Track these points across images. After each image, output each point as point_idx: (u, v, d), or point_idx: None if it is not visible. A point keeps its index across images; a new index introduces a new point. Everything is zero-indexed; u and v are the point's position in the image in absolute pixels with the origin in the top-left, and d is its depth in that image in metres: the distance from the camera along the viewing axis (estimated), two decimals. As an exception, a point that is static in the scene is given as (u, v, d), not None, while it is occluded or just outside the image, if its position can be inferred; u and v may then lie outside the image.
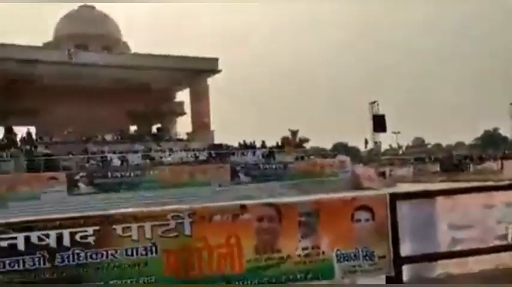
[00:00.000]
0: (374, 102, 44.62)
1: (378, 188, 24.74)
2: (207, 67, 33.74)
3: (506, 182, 4.48)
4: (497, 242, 4.41)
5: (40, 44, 33.56)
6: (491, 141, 63.06)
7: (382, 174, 38.56)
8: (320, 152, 46.87)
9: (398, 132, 62.64)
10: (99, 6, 37.98)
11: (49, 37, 36.51)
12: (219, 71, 34.02)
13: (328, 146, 77.68)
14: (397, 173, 43.54)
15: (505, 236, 4.40)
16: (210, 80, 34.72)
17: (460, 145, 74.39)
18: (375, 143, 48.92)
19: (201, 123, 33.73)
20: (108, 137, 30.76)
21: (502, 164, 40.22)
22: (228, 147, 30.37)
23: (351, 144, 74.88)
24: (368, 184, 27.59)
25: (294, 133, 34.20)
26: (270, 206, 4.03)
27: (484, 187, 4.70)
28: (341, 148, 67.87)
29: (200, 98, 34.06)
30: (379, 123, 43.83)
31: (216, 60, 33.99)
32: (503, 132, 60.19)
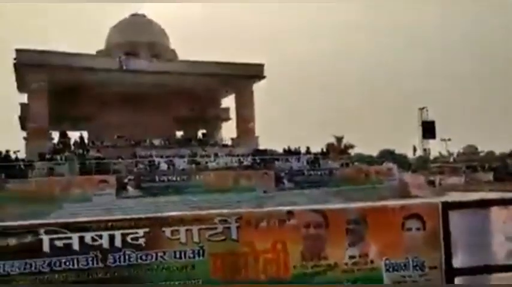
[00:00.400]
0: (423, 108, 43.51)
1: (427, 196, 24.02)
2: (253, 73, 33.99)
3: None
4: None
5: (92, 52, 34.94)
6: None
7: (432, 182, 37.49)
8: (366, 159, 46.33)
9: (449, 139, 60.66)
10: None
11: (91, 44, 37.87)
12: (264, 77, 34.20)
13: (375, 153, 76.25)
14: (448, 181, 42.28)
15: None
16: (255, 86, 34.99)
17: None
18: (424, 150, 47.55)
19: (245, 128, 33.98)
20: (156, 142, 31.55)
21: None
22: (272, 153, 30.43)
23: (398, 151, 73.53)
24: (417, 192, 26.89)
25: (339, 139, 33.86)
26: (316, 212, 3.99)
27: None
28: (388, 155, 66.62)
29: (245, 103, 34.35)
30: (428, 130, 42.65)
31: (261, 66, 34.19)
32: None
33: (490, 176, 44.23)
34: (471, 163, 58.54)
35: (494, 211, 4.17)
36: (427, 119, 42.57)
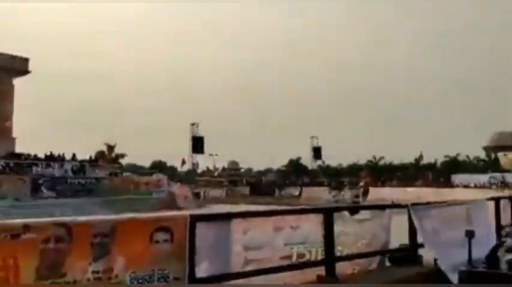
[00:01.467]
0: (194, 124, 45.75)
1: (191, 208, 25.14)
2: (15, 66, 30.36)
3: (298, 207, 4.90)
4: (284, 262, 4.79)
5: None
6: (295, 169, 69.76)
7: (197, 195, 39.63)
8: (137, 170, 45.83)
9: (216, 155, 64.94)
10: None
11: None
12: (28, 72, 30.88)
13: (147, 163, 76.16)
14: (212, 194, 45.28)
15: (290, 257, 4.81)
16: (18, 82, 31.29)
17: (269, 170, 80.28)
18: (193, 164, 49.93)
19: (1, 127, 29.95)
20: None
21: (301, 190, 45.18)
22: (29, 157, 27.46)
23: (171, 163, 75.28)
24: (183, 204, 27.88)
25: (111, 148, 32.80)
26: (59, 225, 3.69)
27: (278, 210, 5.10)
28: (160, 167, 67.54)
29: (3, 98, 30.30)
30: (197, 145, 45.00)
31: (26, 60, 30.82)
32: (304, 162, 66.96)
33: (247, 190, 49.11)
34: (233, 177, 64.10)
35: (237, 223, 4.56)
36: (197, 135, 44.87)
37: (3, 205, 22.23)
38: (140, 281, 3.96)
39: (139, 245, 4.03)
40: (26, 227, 3.44)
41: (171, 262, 4.15)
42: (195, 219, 4.30)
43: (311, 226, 4.90)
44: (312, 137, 55.48)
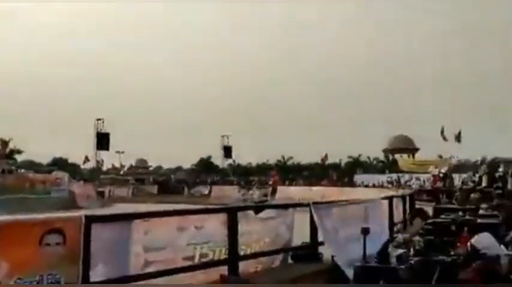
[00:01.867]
0: (100, 119, 43.72)
1: (93, 207, 23.98)
2: None
3: (201, 207, 4.84)
4: (186, 263, 4.71)
5: None
6: (205, 168, 69.25)
7: (102, 194, 37.75)
8: (35, 167, 42.64)
9: (123, 152, 62.37)
10: None
11: None
12: None
13: (47, 161, 71.33)
14: (117, 193, 43.50)
15: (192, 257, 4.74)
16: None
17: (179, 169, 78.99)
18: (97, 161, 47.72)
19: None
20: None
21: (210, 189, 45.04)
22: None
23: (73, 160, 71.04)
24: (85, 203, 26.55)
25: (5, 143, 30.29)
26: None
27: (180, 210, 5.00)
28: (61, 163, 63.81)
29: None
30: (102, 141, 43.02)
31: None
32: (214, 160, 66.64)
33: (155, 189, 47.99)
34: (141, 176, 62.28)
35: (136, 223, 4.39)
36: (102, 131, 42.90)
37: None
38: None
39: (27, 249, 3.73)
40: None
41: (65, 266, 3.90)
42: (91, 220, 4.07)
43: (216, 226, 4.86)
44: (223, 136, 55.64)
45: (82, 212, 4.16)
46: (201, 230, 4.65)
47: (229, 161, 60.95)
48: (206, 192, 44.34)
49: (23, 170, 29.30)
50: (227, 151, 56.38)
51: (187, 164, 75.62)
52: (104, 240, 4.20)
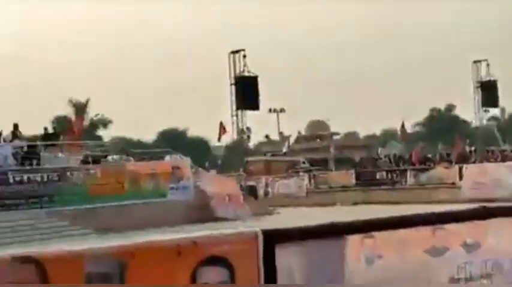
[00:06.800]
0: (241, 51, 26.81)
1: (245, 218, 15.89)
2: None
3: (467, 206, 2.56)
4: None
5: None
6: (441, 129, 42.72)
7: (253, 190, 23.51)
8: (132, 148, 26.83)
9: (282, 111, 37.90)
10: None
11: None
12: None
13: (150, 137, 42.77)
14: (279, 186, 26.50)
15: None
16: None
17: (391, 134, 46.25)
18: (242, 130, 26.78)
19: None
20: None
21: (460, 172, 23.53)
22: None
23: (193, 133, 42.30)
24: (227, 211, 16.31)
25: (82, 108, 21.10)
26: (26, 262, 1.89)
27: (430, 215, 2.79)
28: (173, 140, 37.46)
29: None
30: (246, 93, 24.65)
31: None
32: (461, 113, 41.14)
33: (350, 177, 28.39)
34: (316, 153, 45.09)
35: (353, 241, 2.44)
36: (246, 74, 26.31)
37: None
38: None
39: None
40: None
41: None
42: (273, 239, 2.26)
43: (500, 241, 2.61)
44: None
45: (256, 225, 2.38)
46: (474, 251, 2.47)
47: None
48: (450, 176, 23.39)
49: (114, 157, 18.61)
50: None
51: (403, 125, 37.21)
52: (298, 273, 2.36)
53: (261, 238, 2.23)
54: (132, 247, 2.06)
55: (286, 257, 2.28)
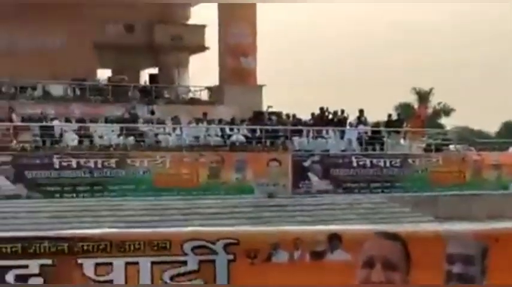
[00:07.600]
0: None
1: None
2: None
3: None
4: None
5: None
6: None
7: None
8: (474, 139, 24.98)
9: None
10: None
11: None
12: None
13: (493, 128, 43.20)
14: None
15: None
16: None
17: None
18: None
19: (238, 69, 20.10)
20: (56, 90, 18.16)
21: None
22: (284, 120, 17.38)
23: None
24: None
25: (426, 94, 22.04)
26: (391, 239, 2.27)
27: None
28: None
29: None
30: None
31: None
32: None
33: None
34: None
35: None
36: None
37: (246, 202, 13.54)
38: None
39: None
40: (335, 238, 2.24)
41: None
42: None
43: None
44: None
45: None
46: None
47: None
48: None
49: (457, 146, 19.10)
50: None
51: None
52: None
53: None
54: (495, 231, 2.32)
55: None
